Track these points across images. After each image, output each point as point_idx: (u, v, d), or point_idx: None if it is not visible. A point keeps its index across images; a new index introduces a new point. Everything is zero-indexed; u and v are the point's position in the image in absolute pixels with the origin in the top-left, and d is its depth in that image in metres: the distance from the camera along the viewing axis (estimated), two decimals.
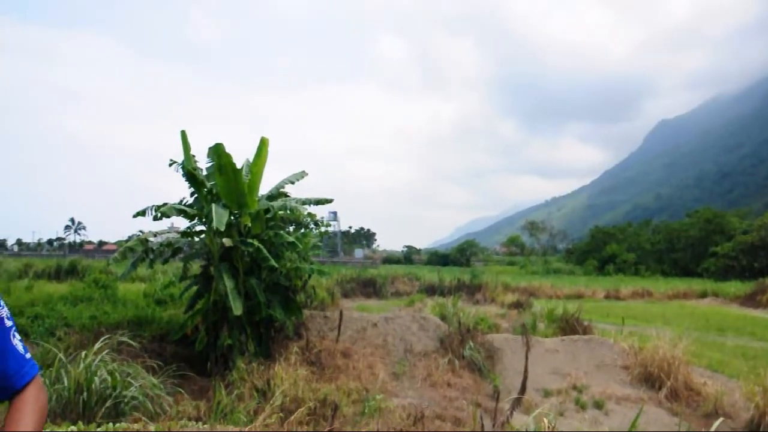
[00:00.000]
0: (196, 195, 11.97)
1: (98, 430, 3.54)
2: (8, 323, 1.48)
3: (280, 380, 9.30)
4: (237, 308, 10.23)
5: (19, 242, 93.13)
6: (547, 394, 10.75)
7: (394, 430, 6.15)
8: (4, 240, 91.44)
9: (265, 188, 12.51)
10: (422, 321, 13.05)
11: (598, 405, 10.21)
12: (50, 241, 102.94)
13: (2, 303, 1.47)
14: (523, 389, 9.62)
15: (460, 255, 64.14)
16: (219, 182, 11.05)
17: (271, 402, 7.98)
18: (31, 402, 1.44)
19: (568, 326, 15.06)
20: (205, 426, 4.43)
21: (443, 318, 14.04)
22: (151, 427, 3.75)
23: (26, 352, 1.51)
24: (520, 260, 68.24)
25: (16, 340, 1.49)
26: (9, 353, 1.46)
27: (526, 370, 9.78)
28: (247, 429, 4.75)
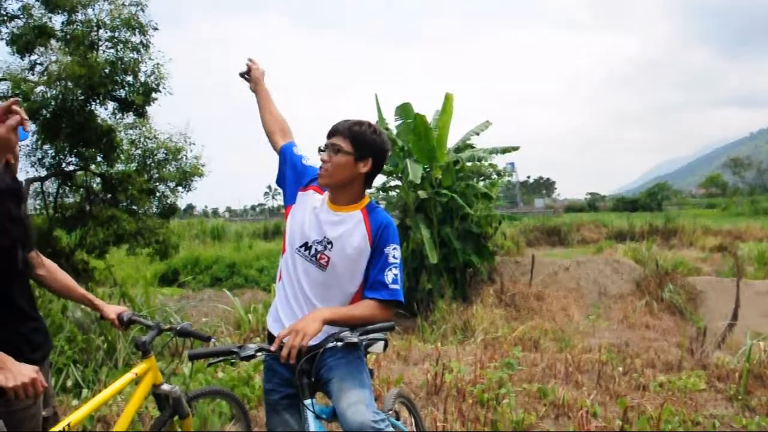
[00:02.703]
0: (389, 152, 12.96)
1: None
2: (392, 261, 2.10)
3: (480, 319, 10.00)
4: (433, 257, 11.11)
5: (228, 209, 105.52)
6: (757, 337, 10.18)
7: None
8: (216, 208, 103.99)
9: (451, 141, 13.11)
10: (615, 264, 12.90)
11: None
12: (253, 207, 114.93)
13: (396, 246, 2.13)
14: (735, 315, 9.27)
15: (650, 200, 59.46)
16: (411, 139, 11.86)
17: (473, 338, 8.69)
18: (363, 304, 2.09)
19: None
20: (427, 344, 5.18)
21: (637, 262, 13.69)
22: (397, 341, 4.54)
23: (395, 283, 2.08)
24: (721, 202, 61.60)
25: (389, 272, 2.09)
26: (373, 274, 2.10)
27: (737, 299, 9.40)
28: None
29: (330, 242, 2.11)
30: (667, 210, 45.71)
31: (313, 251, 2.12)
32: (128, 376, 2.21)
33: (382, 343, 2.12)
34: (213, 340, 2.46)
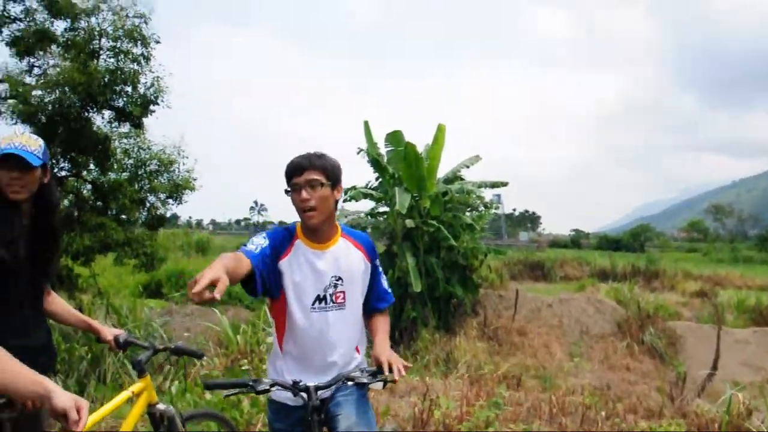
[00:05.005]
0: (380, 179, 13.06)
1: None
2: (380, 269, 2.39)
3: (463, 352, 10.03)
4: (417, 285, 11.14)
5: (213, 222, 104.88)
6: (736, 386, 10.28)
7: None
8: (201, 220, 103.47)
9: (440, 172, 13.25)
10: (598, 304, 13.01)
11: None
12: (238, 221, 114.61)
13: (377, 256, 2.38)
14: (714, 365, 9.37)
15: (633, 240, 60.10)
16: (401, 168, 11.97)
17: (456, 370, 8.69)
18: (382, 319, 2.36)
19: (762, 318, 14.04)
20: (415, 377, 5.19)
21: (619, 302, 13.83)
22: None
23: (389, 288, 2.41)
24: (702, 247, 62.44)
25: (383, 279, 2.39)
26: (378, 287, 2.36)
27: (718, 349, 9.50)
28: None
29: (339, 278, 2.19)
30: (649, 251, 46.18)
31: (328, 298, 2.19)
32: (125, 394, 2.23)
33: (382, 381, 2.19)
34: (204, 357, 2.52)
